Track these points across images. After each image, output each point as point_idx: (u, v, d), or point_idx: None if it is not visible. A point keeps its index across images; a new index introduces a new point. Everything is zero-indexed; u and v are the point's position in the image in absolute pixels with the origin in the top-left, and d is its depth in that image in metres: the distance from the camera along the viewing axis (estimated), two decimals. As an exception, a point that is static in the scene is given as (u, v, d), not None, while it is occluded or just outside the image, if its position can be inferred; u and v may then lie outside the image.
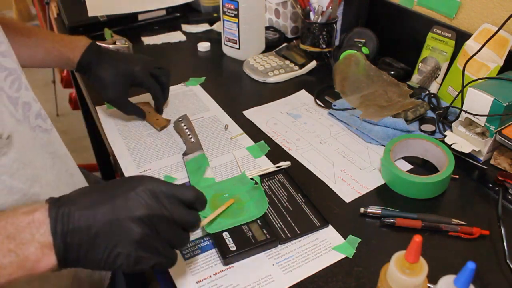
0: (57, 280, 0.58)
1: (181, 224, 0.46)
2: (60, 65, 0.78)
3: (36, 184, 0.51)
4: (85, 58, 0.76)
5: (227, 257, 0.55)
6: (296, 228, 0.60)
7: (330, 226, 0.61)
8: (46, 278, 0.56)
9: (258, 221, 0.60)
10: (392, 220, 0.60)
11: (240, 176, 0.67)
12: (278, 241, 0.58)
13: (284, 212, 0.62)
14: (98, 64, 0.76)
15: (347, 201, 0.65)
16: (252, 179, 0.66)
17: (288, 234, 0.59)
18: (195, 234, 0.60)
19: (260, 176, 0.68)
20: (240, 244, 0.56)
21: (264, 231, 0.58)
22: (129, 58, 0.80)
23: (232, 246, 0.56)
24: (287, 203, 0.64)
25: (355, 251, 0.57)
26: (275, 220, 0.61)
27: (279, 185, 0.67)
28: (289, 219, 0.61)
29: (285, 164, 0.72)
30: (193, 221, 0.47)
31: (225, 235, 0.57)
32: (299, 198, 0.65)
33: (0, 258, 0.39)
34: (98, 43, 0.80)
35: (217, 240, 0.57)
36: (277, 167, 0.71)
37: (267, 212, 0.62)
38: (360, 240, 0.59)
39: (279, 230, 0.59)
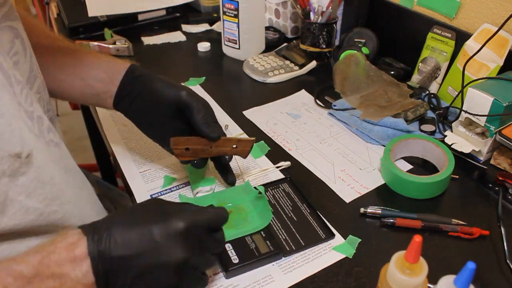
0: None
1: (213, 252, 0.49)
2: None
3: (53, 203, 0.50)
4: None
5: (230, 270, 0.53)
6: (300, 240, 0.58)
7: (332, 229, 0.60)
8: None
9: (262, 232, 0.58)
10: (392, 220, 0.60)
11: (244, 185, 0.66)
12: (282, 253, 0.56)
13: (289, 223, 0.61)
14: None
15: (347, 201, 0.65)
16: (256, 188, 0.64)
17: (293, 246, 0.57)
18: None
19: (264, 185, 0.66)
20: (243, 256, 0.55)
21: (268, 243, 0.57)
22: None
23: (235, 259, 0.54)
24: (291, 214, 0.62)
25: (355, 251, 0.57)
26: (279, 231, 0.59)
27: (284, 194, 0.66)
28: (293, 230, 0.60)
29: (285, 164, 0.72)
30: (223, 246, 0.51)
31: (228, 246, 0.56)
32: (304, 208, 0.63)
33: None
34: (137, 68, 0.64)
35: None
36: (277, 167, 0.71)
37: (271, 222, 0.60)
38: (360, 240, 0.59)
39: (283, 242, 0.58)
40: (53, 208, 0.50)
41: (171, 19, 1.24)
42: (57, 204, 0.50)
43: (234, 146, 0.61)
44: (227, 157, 0.64)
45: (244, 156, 0.62)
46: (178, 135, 0.61)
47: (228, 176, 0.66)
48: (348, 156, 0.74)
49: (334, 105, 0.86)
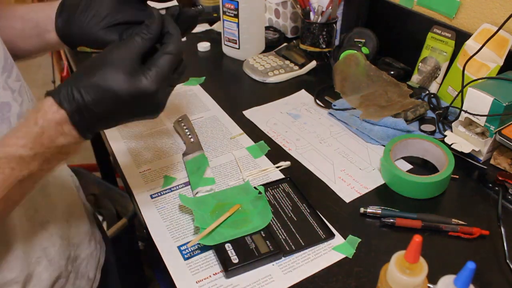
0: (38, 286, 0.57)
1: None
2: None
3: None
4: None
5: (229, 270, 0.54)
6: (300, 240, 0.58)
7: (332, 229, 0.61)
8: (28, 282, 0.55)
9: (262, 232, 0.58)
10: (392, 220, 0.60)
11: (244, 185, 0.66)
12: (282, 253, 0.56)
13: (289, 223, 0.61)
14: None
15: (347, 201, 0.65)
16: (256, 188, 0.64)
17: (292, 246, 0.57)
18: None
19: (264, 185, 0.66)
20: (243, 256, 0.55)
21: (268, 243, 0.57)
22: None
23: (235, 259, 0.55)
24: (291, 214, 0.62)
25: (355, 251, 0.57)
26: (279, 231, 0.60)
27: (284, 194, 0.66)
28: (293, 230, 0.60)
29: (285, 164, 0.72)
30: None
31: (228, 246, 0.56)
32: (304, 208, 0.63)
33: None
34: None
35: (219, 252, 0.56)
36: (277, 167, 0.71)
37: (271, 222, 0.60)
38: (360, 240, 0.59)
39: (283, 242, 0.58)
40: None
41: (171, 19, 1.24)
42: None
43: None
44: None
45: None
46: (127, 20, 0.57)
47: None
48: (348, 156, 0.74)
49: (334, 105, 0.86)
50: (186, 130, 0.78)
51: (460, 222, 0.60)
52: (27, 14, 0.61)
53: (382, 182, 0.69)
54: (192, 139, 0.76)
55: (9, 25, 0.61)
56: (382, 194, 0.67)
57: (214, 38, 1.14)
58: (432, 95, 0.86)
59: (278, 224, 0.61)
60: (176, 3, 0.57)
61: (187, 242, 0.58)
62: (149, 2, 0.59)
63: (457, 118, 0.75)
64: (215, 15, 1.25)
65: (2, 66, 0.52)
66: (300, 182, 0.68)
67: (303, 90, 0.93)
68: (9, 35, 0.60)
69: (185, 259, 0.56)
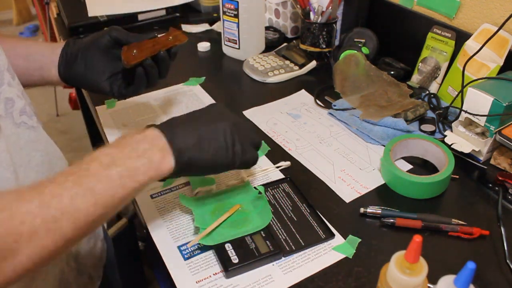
0: (43, 283, 0.57)
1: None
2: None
3: (20, 178, 0.51)
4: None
5: (229, 270, 0.54)
6: (300, 240, 0.58)
7: (332, 228, 0.61)
8: (32, 281, 0.56)
9: (262, 232, 0.58)
10: (392, 220, 0.60)
11: (244, 185, 0.66)
12: (282, 253, 0.56)
13: (289, 223, 0.61)
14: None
15: (347, 201, 0.65)
16: (256, 188, 0.64)
17: (292, 246, 0.57)
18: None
19: (264, 185, 0.66)
20: (243, 256, 0.55)
21: (268, 243, 0.57)
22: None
23: (235, 259, 0.55)
24: (291, 214, 0.62)
25: (355, 251, 0.57)
26: (279, 231, 0.60)
27: (284, 194, 0.66)
28: (293, 230, 0.60)
29: (285, 164, 0.72)
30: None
31: (228, 246, 0.56)
32: (304, 208, 0.63)
33: (134, 162, 0.48)
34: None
35: (219, 252, 0.56)
36: (277, 167, 0.71)
37: (271, 222, 0.60)
38: (360, 240, 0.59)
39: (283, 242, 0.58)
40: (26, 180, 0.51)
41: (171, 19, 1.24)
42: (31, 179, 0.52)
43: (171, 38, 0.70)
44: (172, 51, 0.69)
45: (183, 40, 0.70)
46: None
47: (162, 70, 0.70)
48: (348, 156, 0.74)
49: (334, 105, 0.86)
50: (186, 130, 0.78)
51: (460, 222, 0.60)
52: (30, 55, 0.67)
53: (382, 182, 0.69)
54: (192, 139, 0.76)
55: (12, 63, 0.63)
56: (382, 194, 0.67)
57: (214, 38, 1.14)
58: (432, 95, 0.86)
59: (278, 224, 0.61)
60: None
61: (187, 242, 0.58)
62: None
63: (457, 118, 0.75)
64: (215, 15, 1.25)
65: (7, 69, 0.53)
66: (300, 182, 0.68)
67: (303, 90, 0.93)
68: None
69: (185, 259, 0.56)
